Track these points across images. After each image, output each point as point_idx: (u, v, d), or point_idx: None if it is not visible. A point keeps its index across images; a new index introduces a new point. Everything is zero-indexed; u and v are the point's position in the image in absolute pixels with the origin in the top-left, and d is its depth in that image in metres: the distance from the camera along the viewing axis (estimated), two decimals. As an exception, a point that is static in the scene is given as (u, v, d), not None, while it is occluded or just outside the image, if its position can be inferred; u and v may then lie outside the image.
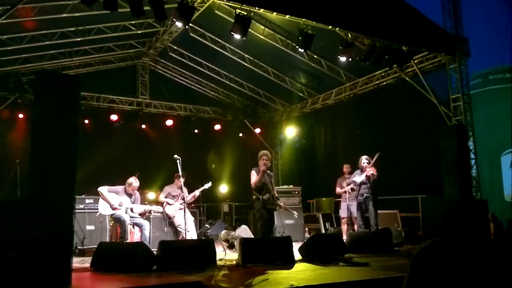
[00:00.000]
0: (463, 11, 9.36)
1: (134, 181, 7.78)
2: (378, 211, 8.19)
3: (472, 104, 9.41)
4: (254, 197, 7.11)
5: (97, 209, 7.77)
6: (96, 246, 6.31)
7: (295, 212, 7.92)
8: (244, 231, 8.17)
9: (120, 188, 7.73)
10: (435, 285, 0.81)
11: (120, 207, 7.58)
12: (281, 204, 7.53)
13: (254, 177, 7.12)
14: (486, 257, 0.81)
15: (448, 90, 9.37)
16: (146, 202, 9.07)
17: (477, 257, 0.81)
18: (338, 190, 9.07)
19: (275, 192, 7.25)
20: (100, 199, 7.65)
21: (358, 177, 8.24)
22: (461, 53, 9.20)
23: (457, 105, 9.25)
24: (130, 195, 7.77)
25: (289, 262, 6.09)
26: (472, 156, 8.96)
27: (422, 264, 0.84)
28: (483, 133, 12.81)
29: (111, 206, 7.55)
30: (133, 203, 7.77)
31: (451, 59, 9.28)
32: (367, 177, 8.08)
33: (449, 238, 0.86)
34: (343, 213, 8.86)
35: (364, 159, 8.23)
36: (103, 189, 7.59)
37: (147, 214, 8.76)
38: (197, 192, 8.46)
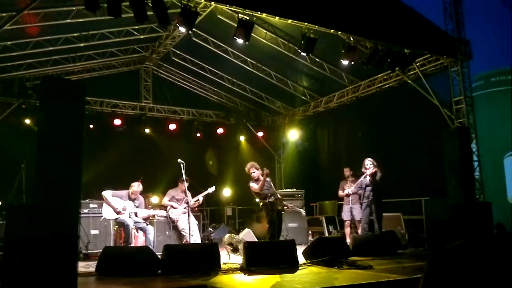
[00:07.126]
0: (464, 13, 9.41)
1: (137, 185, 7.84)
2: (382, 214, 8.21)
3: (475, 106, 9.41)
4: (261, 203, 7.16)
5: (101, 213, 7.82)
6: (100, 251, 6.36)
7: (302, 211, 7.92)
8: (247, 235, 8.18)
9: (124, 192, 7.79)
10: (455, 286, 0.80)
11: (124, 212, 7.62)
12: (288, 204, 7.62)
13: (254, 186, 7.22)
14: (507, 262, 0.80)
15: (450, 93, 9.39)
16: (150, 206, 9.10)
17: (502, 261, 0.80)
18: (340, 193, 9.08)
19: (278, 194, 7.35)
20: (104, 204, 7.70)
21: (353, 188, 8.41)
22: (463, 55, 9.21)
23: (459, 107, 9.26)
24: (134, 200, 7.82)
25: (293, 266, 6.11)
26: (475, 158, 8.96)
27: (444, 265, 0.83)
28: (486, 135, 12.77)
29: (114, 210, 7.60)
30: (137, 207, 7.81)
31: (453, 61, 9.29)
32: (371, 176, 8.14)
33: (475, 241, 0.84)
34: (345, 216, 8.87)
35: (367, 161, 8.28)
36: (107, 194, 7.65)
37: (150, 218, 8.80)
38: (200, 197, 8.46)
